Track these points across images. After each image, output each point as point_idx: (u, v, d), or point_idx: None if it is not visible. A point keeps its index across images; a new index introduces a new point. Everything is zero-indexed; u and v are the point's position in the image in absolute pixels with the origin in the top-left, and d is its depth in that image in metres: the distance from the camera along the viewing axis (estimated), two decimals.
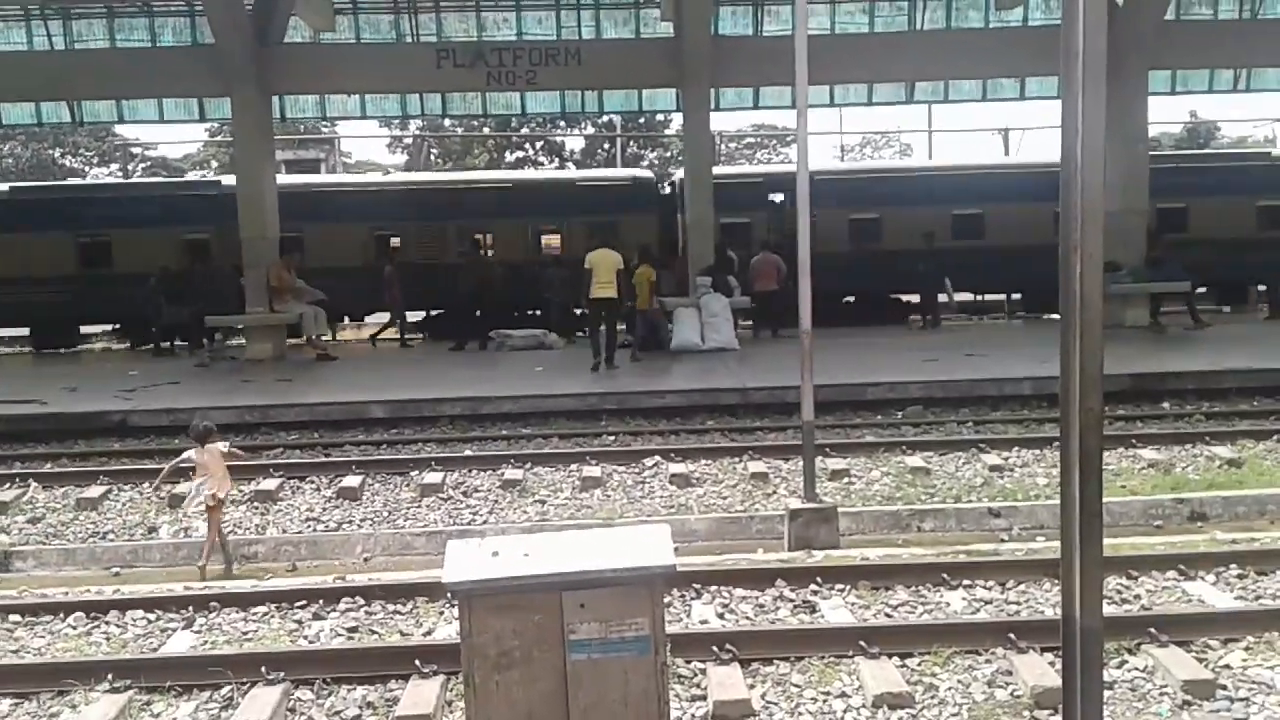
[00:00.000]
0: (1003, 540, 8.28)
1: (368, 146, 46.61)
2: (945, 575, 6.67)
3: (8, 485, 10.19)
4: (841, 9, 20.34)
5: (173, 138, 69.59)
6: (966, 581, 6.65)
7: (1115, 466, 9.78)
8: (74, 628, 6.47)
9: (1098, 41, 3.03)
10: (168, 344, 20.50)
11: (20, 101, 20.77)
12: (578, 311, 19.23)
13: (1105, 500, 3.24)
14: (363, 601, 6.62)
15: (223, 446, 8.72)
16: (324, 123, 31.74)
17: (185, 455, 8.69)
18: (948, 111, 74.53)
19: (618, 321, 15.59)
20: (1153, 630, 5.58)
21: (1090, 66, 3.03)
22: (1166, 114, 59.29)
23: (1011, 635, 5.57)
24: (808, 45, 8.17)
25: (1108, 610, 4.12)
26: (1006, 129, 33.64)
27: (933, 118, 33.92)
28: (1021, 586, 6.59)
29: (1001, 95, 21.77)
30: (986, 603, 6.38)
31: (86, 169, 45.02)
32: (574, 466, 10.20)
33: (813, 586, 6.59)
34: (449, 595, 5.95)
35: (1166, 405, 12.39)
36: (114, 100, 20.77)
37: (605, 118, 39.59)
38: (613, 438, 11.48)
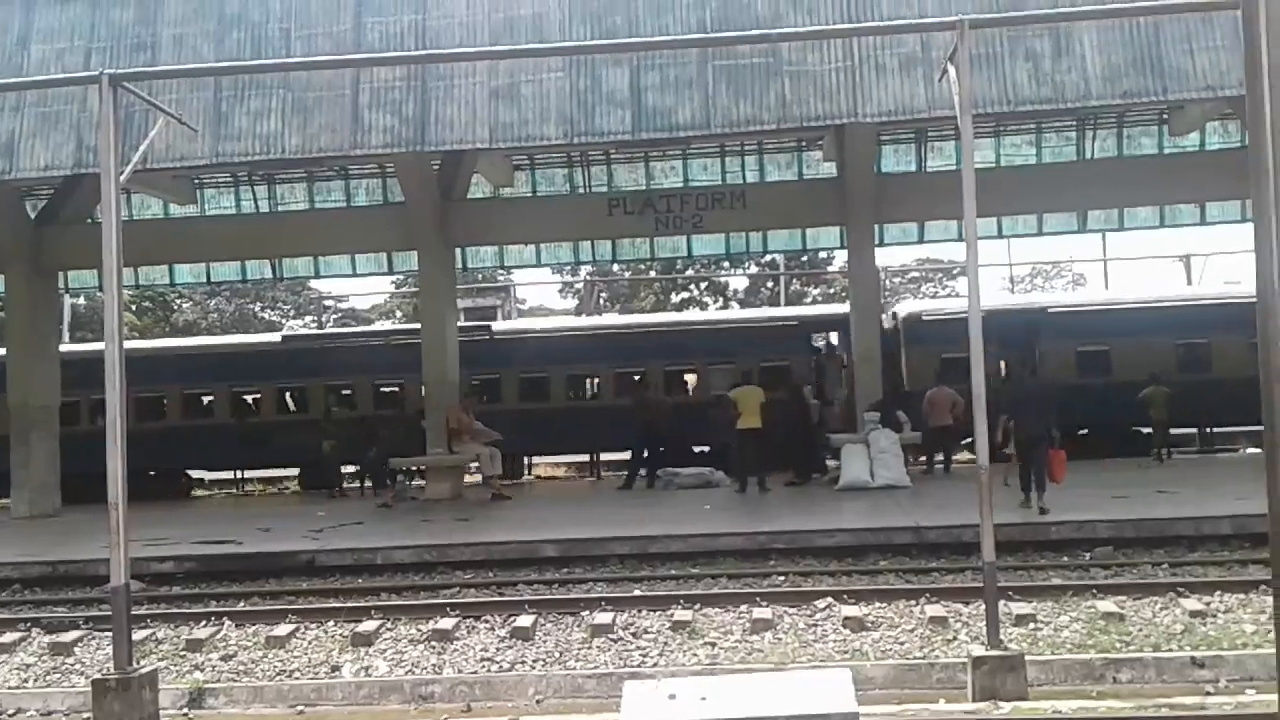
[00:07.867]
0: (1208, 693, 7.65)
1: (539, 291, 48.42)
2: None
3: (204, 623, 10.71)
4: (1007, 141, 20.28)
5: (362, 289, 74.04)
6: None
7: None
8: None
9: None
10: (356, 485, 21.38)
11: (229, 260, 22.68)
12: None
13: None
14: None
15: None
16: (500, 270, 33.29)
17: None
18: (1123, 239, 72.41)
19: (764, 448, 17.30)
20: None
21: None
22: None
23: None
24: (975, 179, 8.18)
25: None
26: (1189, 255, 32.32)
27: (1107, 246, 33.03)
28: None
29: (1180, 221, 21.10)
30: None
31: (284, 321, 48.26)
32: (744, 607, 10.03)
33: None
34: None
35: None
36: (311, 256, 22.42)
37: (769, 257, 40.21)
38: (783, 578, 11.26)
